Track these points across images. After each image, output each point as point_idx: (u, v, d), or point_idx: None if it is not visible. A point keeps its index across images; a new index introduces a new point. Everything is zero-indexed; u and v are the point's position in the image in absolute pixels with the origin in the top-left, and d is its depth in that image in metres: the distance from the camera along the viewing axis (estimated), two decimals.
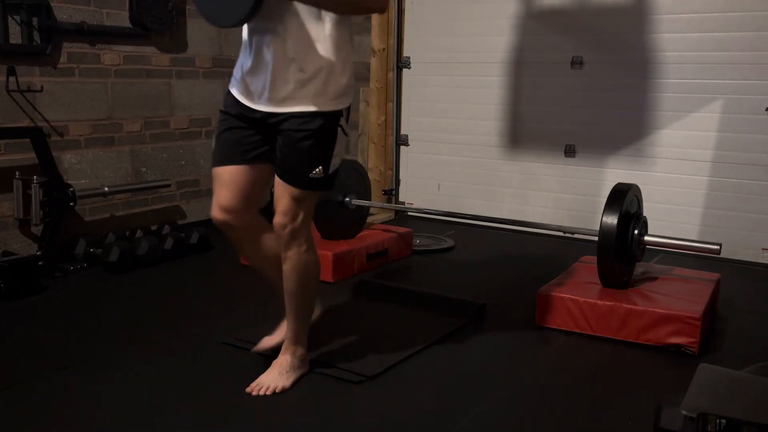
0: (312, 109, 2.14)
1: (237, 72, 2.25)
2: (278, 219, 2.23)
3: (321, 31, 2.11)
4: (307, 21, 2.09)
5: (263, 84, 2.15)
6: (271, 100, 2.15)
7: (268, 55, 2.12)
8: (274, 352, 2.46)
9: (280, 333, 2.51)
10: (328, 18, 2.11)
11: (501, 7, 4.70)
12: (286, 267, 2.28)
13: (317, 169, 2.19)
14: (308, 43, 2.10)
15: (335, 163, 2.24)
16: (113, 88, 4.10)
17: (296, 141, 2.16)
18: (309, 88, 2.13)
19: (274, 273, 2.41)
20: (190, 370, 2.46)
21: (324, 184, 2.23)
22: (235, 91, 2.25)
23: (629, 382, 2.47)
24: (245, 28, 2.19)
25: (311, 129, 2.15)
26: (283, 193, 2.21)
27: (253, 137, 2.25)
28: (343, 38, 2.16)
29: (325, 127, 2.17)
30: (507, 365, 2.59)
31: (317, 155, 2.18)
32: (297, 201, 2.21)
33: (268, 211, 2.31)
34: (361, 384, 2.37)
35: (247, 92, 2.20)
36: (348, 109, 2.25)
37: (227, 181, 2.31)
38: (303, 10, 2.08)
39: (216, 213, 2.34)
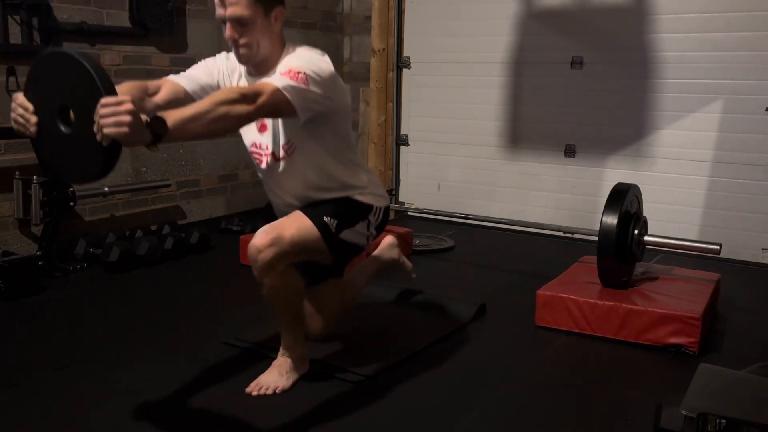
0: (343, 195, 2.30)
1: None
2: (262, 240, 2.09)
3: (328, 177, 2.25)
4: (312, 174, 2.23)
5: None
6: None
7: (286, 204, 2.30)
8: (273, 352, 2.46)
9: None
10: (329, 160, 2.24)
11: (501, 7, 4.70)
12: (264, 292, 2.22)
13: (332, 220, 2.22)
14: (320, 187, 2.26)
15: (347, 237, 2.27)
16: None
17: (326, 197, 2.28)
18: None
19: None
20: (190, 370, 2.46)
21: (328, 237, 2.22)
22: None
23: (629, 382, 2.47)
24: (260, 173, 2.34)
25: (342, 196, 2.28)
26: (288, 222, 2.18)
27: None
28: (353, 169, 2.31)
29: (355, 205, 2.30)
30: (507, 365, 2.59)
31: (338, 211, 2.25)
32: (294, 232, 2.15)
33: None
34: (361, 384, 2.37)
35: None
36: (381, 211, 2.37)
37: None
38: (304, 164, 2.22)
39: None
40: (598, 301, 2.83)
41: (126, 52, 4.12)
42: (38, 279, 3.34)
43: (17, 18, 3.57)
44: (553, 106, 4.62)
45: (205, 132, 1.86)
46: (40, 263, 3.49)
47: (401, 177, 5.30)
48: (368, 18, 5.13)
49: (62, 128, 1.73)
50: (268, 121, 2.24)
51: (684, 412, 1.76)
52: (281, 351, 2.38)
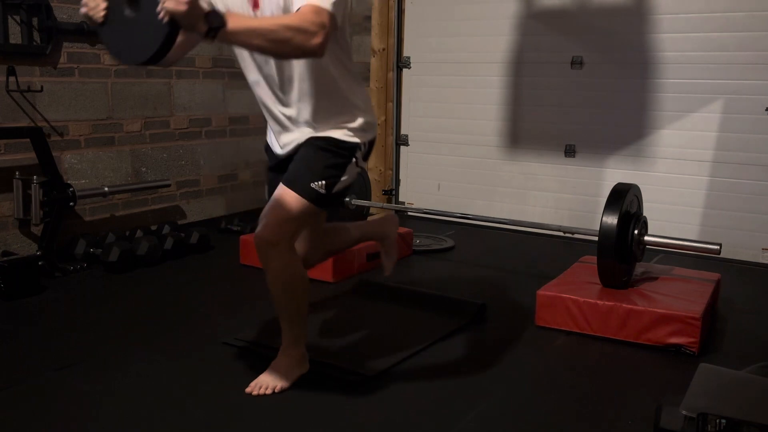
0: (330, 135, 2.22)
1: (268, 128, 2.41)
2: (261, 231, 2.14)
3: (327, 84, 2.17)
4: (312, 79, 2.15)
5: (285, 139, 2.29)
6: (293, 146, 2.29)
7: (282, 116, 2.23)
8: (273, 352, 2.46)
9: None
10: (331, 67, 2.16)
11: (501, 7, 4.70)
12: (269, 279, 2.22)
13: (320, 182, 2.17)
14: (318, 98, 2.18)
15: (340, 187, 2.23)
16: (113, 88, 4.10)
17: (309, 146, 2.21)
18: (326, 128, 2.23)
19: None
20: (190, 370, 2.46)
21: (322, 201, 2.18)
22: (269, 141, 2.42)
23: (629, 382, 2.47)
24: (258, 88, 2.27)
25: (327, 144, 2.21)
26: (277, 201, 2.17)
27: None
28: (351, 80, 2.23)
29: (340, 150, 2.22)
30: (507, 365, 2.59)
31: (324, 166, 2.19)
32: (289, 212, 2.14)
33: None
34: (361, 384, 2.37)
35: (276, 144, 2.35)
36: (368, 144, 2.31)
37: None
38: (305, 69, 2.14)
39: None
40: (598, 301, 2.83)
41: None
42: (38, 279, 3.34)
43: (17, 18, 3.57)
44: (553, 106, 4.62)
45: (262, 49, 1.90)
46: (40, 263, 3.49)
47: (401, 177, 5.30)
48: (368, 18, 5.13)
49: (128, 12, 1.86)
50: (263, 2, 2.13)
51: (684, 412, 1.76)
52: (281, 350, 2.38)
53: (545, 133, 4.68)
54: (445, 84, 5.02)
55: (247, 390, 2.29)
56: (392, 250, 2.84)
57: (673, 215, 4.25)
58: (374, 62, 5.09)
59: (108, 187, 3.99)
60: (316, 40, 1.89)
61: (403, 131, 5.25)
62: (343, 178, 2.22)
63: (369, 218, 4.26)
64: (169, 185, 4.41)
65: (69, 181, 3.78)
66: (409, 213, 5.13)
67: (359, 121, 2.26)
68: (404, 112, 5.22)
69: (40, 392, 2.29)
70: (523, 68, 4.71)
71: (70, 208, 3.78)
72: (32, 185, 3.53)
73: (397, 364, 2.52)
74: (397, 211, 5.07)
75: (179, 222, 4.52)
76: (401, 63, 5.15)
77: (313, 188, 2.16)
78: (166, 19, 1.74)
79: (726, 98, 4.07)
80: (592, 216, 4.33)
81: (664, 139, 4.29)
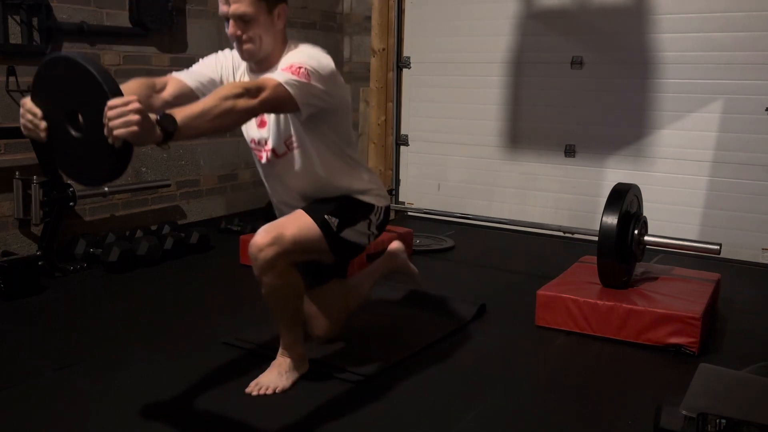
0: (345, 195, 2.32)
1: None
2: (258, 239, 2.11)
3: (327, 175, 2.27)
4: (315, 174, 2.25)
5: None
6: None
7: (291, 201, 2.33)
8: (273, 352, 2.46)
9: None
10: (337, 158, 2.27)
11: (501, 7, 4.70)
12: (263, 291, 2.21)
13: (333, 218, 2.23)
14: (322, 188, 2.29)
15: (349, 236, 2.28)
16: None
17: (326, 198, 2.30)
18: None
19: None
20: (190, 370, 2.46)
21: (329, 236, 2.23)
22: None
23: (629, 382, 2.47)
24: (266, 181, 2.38)
25: (344, 198, 2.30)
26: (289, 221, 2.19)
27: None
28: (354, 165, 2.33)
29: (356, 205, 2.31)
30: (507, 365, 2.59)
31: (341, 207, 2.26)
32: (295, 229, 2.15)
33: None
34: (361, 384, 2.37)
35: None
36: (382, 211, 2.38)
37: None
38: (308, 165, 2.24)
39: None
40: (598, 301, 2.83)
41: (126, 52, 4.12)
42: (38, 279, 3.34)
43: (17, 18, 3.57)
44: (553, 106, 4.62)
45: (212, 127, 1.85)
46: (40, 263, 3.48)
47: (401, 177, 5.29)
48: (368, 18, 5.13)
49: (72, 132, 1.73)
50: (268, 117, 2.25)
51: (684, 412, 1.76)
52: (281, 351, 2.38)
53: (545, 133, 4.68)
54: (445, 84, 5.02)
55: (247, 390, 2.29)
56: (409, 269, 2.96)
57: (673, 215, 4.25)
58: (374, 62, 5.09)
59: (108, 187, 3.98)
60: (248, 101, 1.88)
61: (403, 131, 5.24)
62: (355, 227, 2.29)
63: None
64: (169, 185, 4.40)
65: (69, 181, 3.78)
66: (409, 213, 5.13)
67: (370, 189, 2.35)
68: (404, 112, 5.22)
69: (40, 392, 2.29)
70: (523, 68, 4.71)
71: (70, 208, 3.77)
72: (32, 185, 3.53)
73: (397, 364, 2.52)
74: (397, 211, 5.09)
75: (179, 222, 4.52)
76: (401, 63, 5.15)
77: (326, 219, 2.22)
78: (117, 144, 1.61)
79: (726, 98, 4.07)
80: (592, 216, 4.33)
81: (664, 139, 4.29)
